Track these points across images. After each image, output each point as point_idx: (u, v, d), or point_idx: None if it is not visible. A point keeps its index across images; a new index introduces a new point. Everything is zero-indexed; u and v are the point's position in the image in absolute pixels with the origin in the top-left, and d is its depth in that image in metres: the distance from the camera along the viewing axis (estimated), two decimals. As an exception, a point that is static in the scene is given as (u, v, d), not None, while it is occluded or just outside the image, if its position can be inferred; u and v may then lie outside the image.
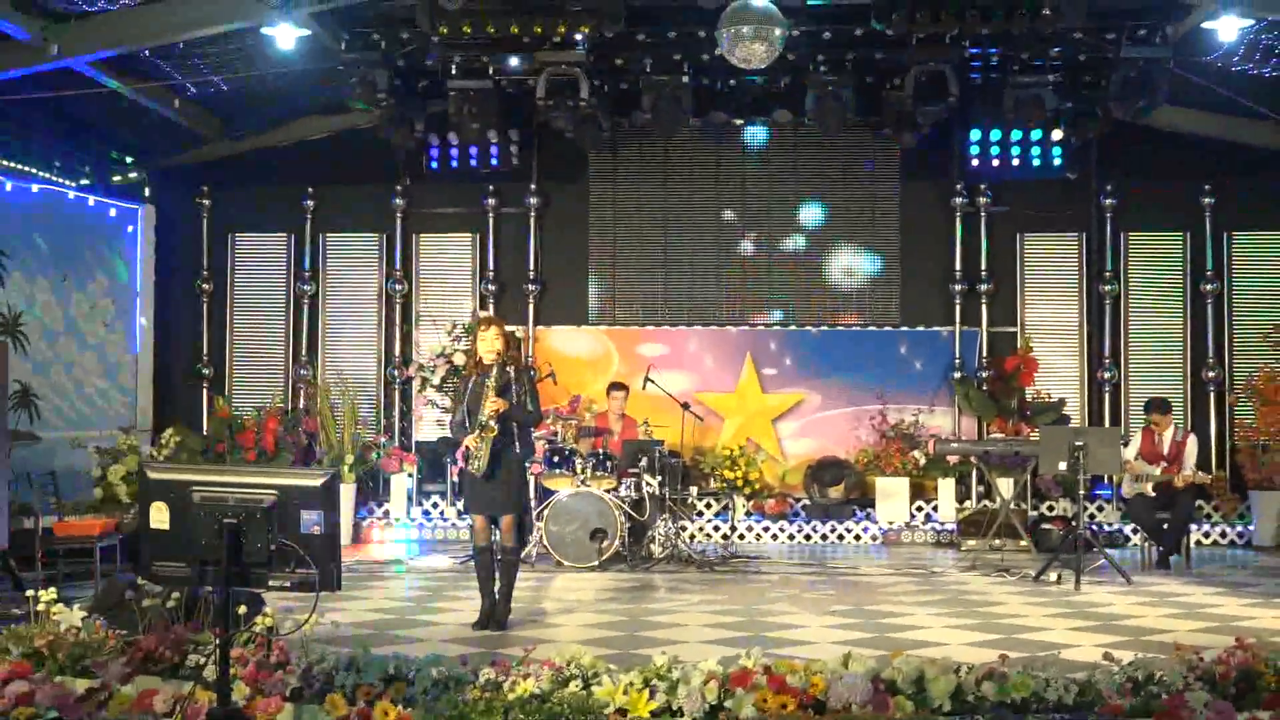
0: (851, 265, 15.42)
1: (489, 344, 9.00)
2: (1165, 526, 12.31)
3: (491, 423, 8.81)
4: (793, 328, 15.40)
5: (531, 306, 15.51)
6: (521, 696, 5.67)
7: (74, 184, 13.89)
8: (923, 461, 14.60)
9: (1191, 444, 12.67)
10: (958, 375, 15.13)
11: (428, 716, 5.66)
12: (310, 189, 15.62)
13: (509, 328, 9.68)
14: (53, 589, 6.92)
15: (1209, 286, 15.04)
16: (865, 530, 14.66)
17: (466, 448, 8.94)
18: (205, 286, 15.71)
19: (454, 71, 13.42)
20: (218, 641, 5.04)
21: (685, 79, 13.36)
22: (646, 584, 11.27)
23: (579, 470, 12.33)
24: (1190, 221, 15.15)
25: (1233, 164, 14.72)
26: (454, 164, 14.92)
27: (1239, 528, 14.43)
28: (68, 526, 10.97)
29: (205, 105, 14.01)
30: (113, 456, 12.91)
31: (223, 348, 15.73)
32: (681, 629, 8.94)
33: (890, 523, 14.62)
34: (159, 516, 5.04)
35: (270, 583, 5.03)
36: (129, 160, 14.76)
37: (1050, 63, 13.28)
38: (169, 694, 6.01)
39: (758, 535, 14.69)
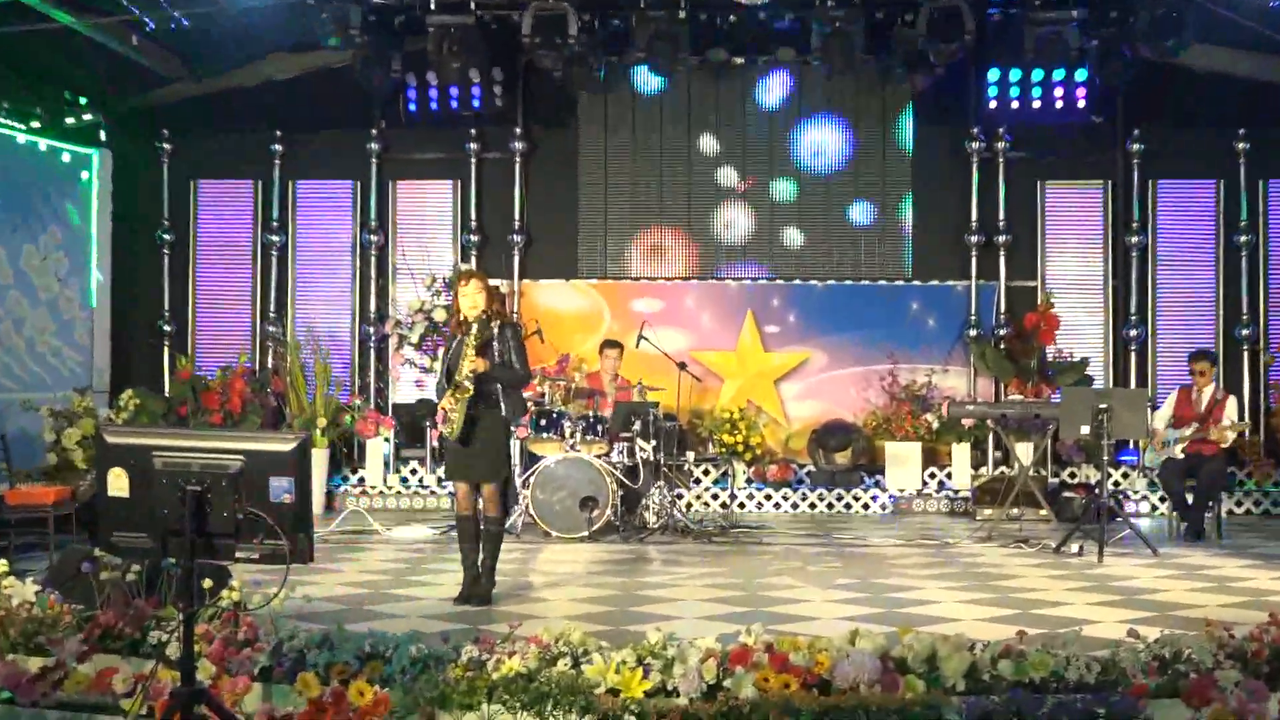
0: (860, 215, 15.40)
1: (470, 299, 8.97)
2: (1191, 498, 12.35)
3: (466, 383, 8.80)
4: (797, 282, 15.39)
5: (517, 259, 15.48)
6: (506, 676, 5.69)
7: (24, 127, 13.81)
8: (935, 425, 14.61)
9: (1231, 405, 12.64)
10: (973, 333, 15.13)
11: (406, 697, 5.67)
12: (279, 133, 15.55)
13: (493, 282, 9.63)
14: (4, 561, 6.92)
15: (1243, 238, 15.03)
16: (874, 498, 14.70)
17: (442, 411, 8.95)
18: (166, 237, 15.65)
19: (433, 6, 13.34)
20: (181, 617, 5.03)
21: (682, 14, 13.31)
22: (640, 556, 11.30)
23: (568, 434, 12.33)
24: (1223, 168, 15.13)
25: (1269, 106, 14.66)
26: (433, 106, 14.82)
27: (1274, 495, 14.47)
28: (19, 495, 10.97)
29: (165, 43, 13.88)
30: (67, 419, 12.90)
31: (185, 303, 15.70)
32: (677, 604, 8.96)
33: (901, 490, 14.66)
34: (117, 484, 5.02)
35: (237, 554, 5.02)
36: (83, 102, 14.64)
37: (1073, -3, 13.24)
38: (129, 673, 6.02)
39: (759, 504, 14.72)
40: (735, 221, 15.48)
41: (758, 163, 15.45)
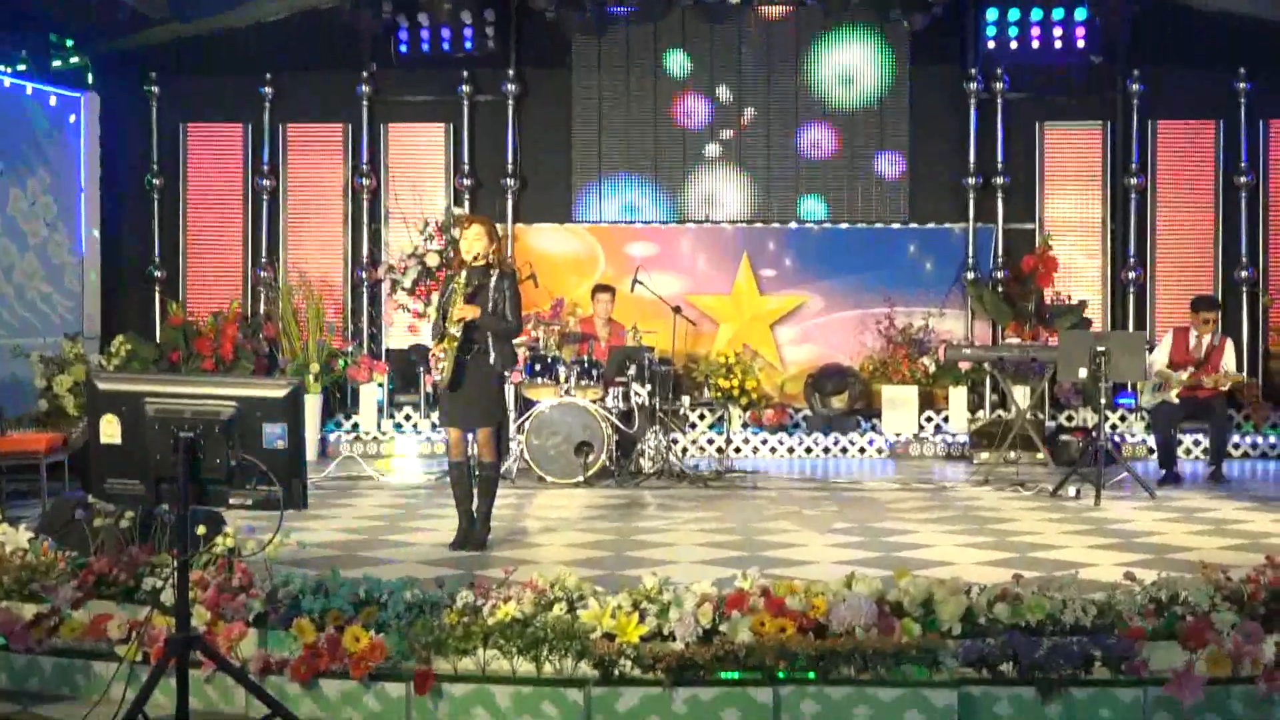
0: (856, 158, 15.35)
1: (469, 244, 8.93)
2: (1205, 440, 12.43)
3: (454, 331, 8.78)
4: (793, 225, 15.36)
5: (510, 203, 15.44)
6: (502, 621, 5.71)
7: (9, 70, 13.71)
8: (932, 369, 14.62)
9: (1229, 350, 12.58)
10: (971, 276, 15.12)
11: (401, 643, 5.70)
12: (268, 75, 15.47)
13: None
14: (-4, 508, 6.94)
15: (1243, 179, 15.00)
16: (870, 443, 14.72)
17: (433, 356, 8.95)
18: (156, 182, 15.61)
19: (423, -55, 13.26)
20: (175, 564, 5.05)
21: (677, -48, 13.23)
22: (635, 501, 11.33)
23: (562, 379, 12.33)
24: (1223, 109, 15.07)
25: (1270, 46, 14.56)
26: (425, 47, 14.75)
27: (1271, 438, 14.49)
28: (11, 442, 10.95)
29: (152, -17, 13.83)
30: (58, 366, 12.88)
31: (176, 248, 15.66)
32: (673, 548, 8.99)
33: (897, 434, 14.69)
34: (110, 430, 5.03)
35: (230, 501, 5.03)
36: (70, 44, 14.55)
37: (1074, -66, 13.16)
38: (124, 619, 6.05)
39: (755, 448, 14.75)
40: (731, 164, 15.42)
41: (753, 105, 15.38)
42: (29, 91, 13.92)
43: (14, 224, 13.59)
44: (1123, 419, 14.63)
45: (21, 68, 13.86)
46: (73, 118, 14.50)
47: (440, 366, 8.86)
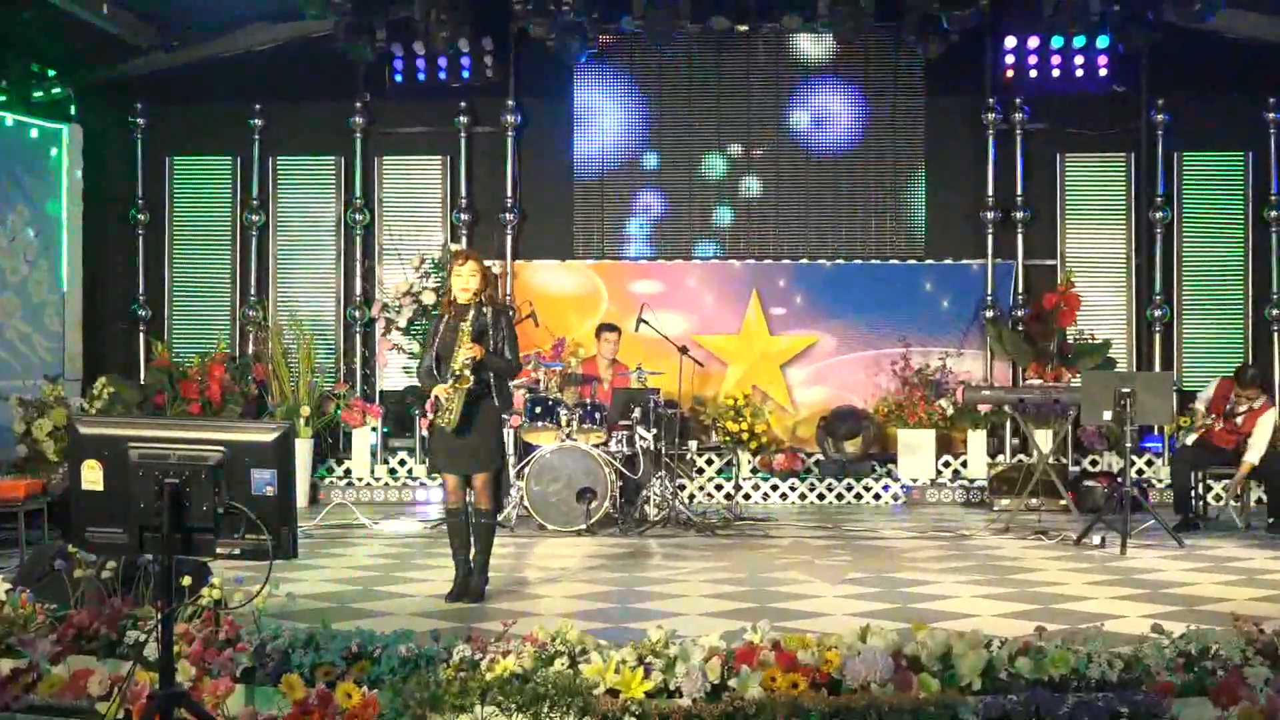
0: (870, 191, 15.38)
1: (464, 281, 8.93)
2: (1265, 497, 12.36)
3: (466, 372, 8.77)
4: (804, 261, 15.39)
5: (509, 238, 15.48)
6: (500, 676, 5.70)
7: (-11, 101, 13.82)
8: (950, 411, 14.62)
9: (1268, 418, 12.28)
10: (990, 314, 15.14)
11: (396, 699, 5.68)
12: (258, 106, 15.55)
13: (486, 263, 9.59)
14: (-27, 558, 6.94)
15: (1273, 212, 15.03)
16: (885, 489, 14.71)
17: (436, 399, 8.91)
18: (140, 217, 15.67)
19: (419, -29, 13.33)
20: (159, 616, 5.04)
21: (681, -22, 13.30)
22: (640, 550, 11.31)
23: (564, 423, 12.32)
24: (1252, 139, 15.12)
25: (1301, 74, 14.69)
26: (421, 77, 14.83)
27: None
28: (-12, 488, 10.98)
29: (138, 11, 13.89)
30: (38, 410, 12.90)
31: (161, 286, 15.70)
32: (680, 600, 8.97)
33: (913, 480, 14.68)
34: (91, 477, 5.02)
35: (217, 550, 5.02)
36: (52, 74, 14.63)
37: (1095, -41, 13.23)
38: (105, 675, 6.04)
39: (765, 494, 14.74)
40: (740, 198, 15.46)
41: (762, 136, 15.44)
42: (9, 123, 13.98)
43: (-8, 261, 13.63)
44: (1149, 464, 14.62)
45: (1, 99, 13.92)
46: (54, 150, 14.55)
47: (449, 407, 8.81)
